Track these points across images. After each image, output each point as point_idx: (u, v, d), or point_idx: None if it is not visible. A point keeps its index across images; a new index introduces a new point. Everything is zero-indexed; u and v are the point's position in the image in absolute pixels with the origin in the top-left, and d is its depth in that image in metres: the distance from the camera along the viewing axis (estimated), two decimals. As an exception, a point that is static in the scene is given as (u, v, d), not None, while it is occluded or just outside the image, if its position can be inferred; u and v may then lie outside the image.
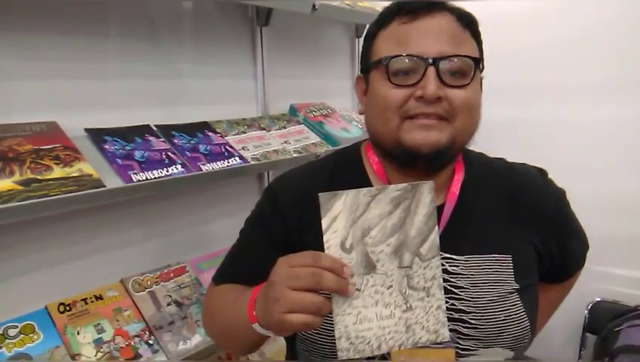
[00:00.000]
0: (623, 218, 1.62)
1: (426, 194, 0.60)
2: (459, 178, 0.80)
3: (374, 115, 0.76)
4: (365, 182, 0.82)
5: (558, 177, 0.88)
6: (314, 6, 1.37)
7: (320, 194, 0.58)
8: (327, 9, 1.45)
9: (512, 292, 0.76)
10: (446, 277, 0.72)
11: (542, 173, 0.88)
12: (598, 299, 1.69)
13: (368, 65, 0.78)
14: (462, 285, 0.74)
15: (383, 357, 0.69)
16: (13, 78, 1.01)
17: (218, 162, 1.19)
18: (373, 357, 0.68)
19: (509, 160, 0.89)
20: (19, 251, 1.04)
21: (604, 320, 1.58)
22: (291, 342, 0.84)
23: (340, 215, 0.59)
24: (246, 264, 0.84)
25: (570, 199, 0.87)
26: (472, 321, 0.73)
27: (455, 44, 0.70)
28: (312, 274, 0.56)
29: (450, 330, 0.68)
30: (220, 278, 0.87)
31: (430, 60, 0.69)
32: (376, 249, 0.60)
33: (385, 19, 0.76)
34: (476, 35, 0.76)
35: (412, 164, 0.75)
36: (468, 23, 0.74)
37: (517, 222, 0.80)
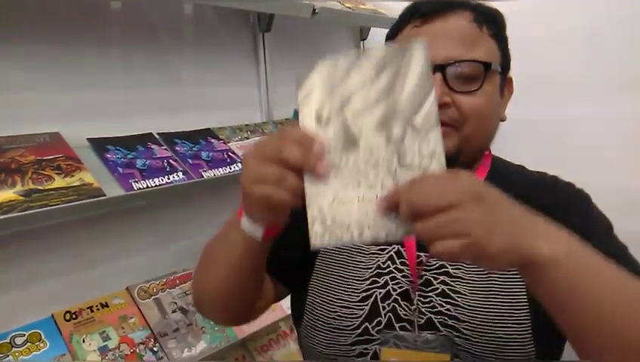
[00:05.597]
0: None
1: (420, 51, 0.49)
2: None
3: None
4: None
5: (577, 175, 0.81)
6: (314, 10, 1.36)
7: (297, 73, 0.53)
8: (328, 13, 1.44)
9: (520, 309, 0.66)
10: (446, 279, 0.69)
11: (572, 187, 0.78)
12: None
13: None
14: (460, 290, 0.68)
15: (375, 356, 0.67)
16: (17, 90, 1.03)
17: (220, 168, 1.20)
18: (364, 356, 0.65)
19: (530, 160, 0.81)
20: (26, 261, 1.06)
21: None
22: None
23: (316, 86, 0.52)
24: None
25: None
26: (465, 332, 0.66)
27: (466, 48, 0.67)
28: (275, 147, 0.52)
29: (444, 336, 0.66)
30: None
31: (436, 66, 0.66)
32: (357, 120, 0.50)
33: (399, 23, 0.74)
34: (498, 34, 0.72)
35: None
36: (487, 21, 0.70)
37: None
